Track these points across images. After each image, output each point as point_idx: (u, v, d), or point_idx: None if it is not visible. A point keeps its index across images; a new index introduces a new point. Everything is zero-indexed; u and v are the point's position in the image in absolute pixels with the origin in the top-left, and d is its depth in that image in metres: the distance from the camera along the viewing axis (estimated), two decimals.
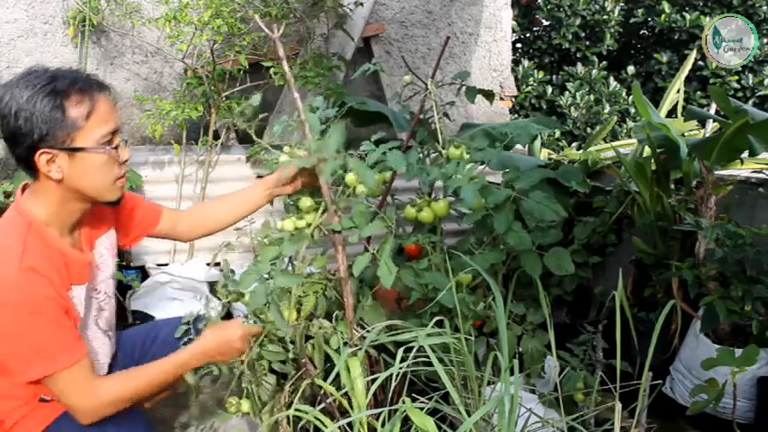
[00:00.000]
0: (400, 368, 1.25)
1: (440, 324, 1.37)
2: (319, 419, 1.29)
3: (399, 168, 1.57)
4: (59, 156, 1.23)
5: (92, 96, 1.25)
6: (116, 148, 1.30)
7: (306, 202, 1.55)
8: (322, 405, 1.37)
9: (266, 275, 1.36)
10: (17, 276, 1.21)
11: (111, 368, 1.57)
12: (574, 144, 5.11)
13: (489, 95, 2.16)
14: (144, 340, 1.68)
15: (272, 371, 1.50)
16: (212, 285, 2.98)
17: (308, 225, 1.50)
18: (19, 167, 1.29)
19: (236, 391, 1.56)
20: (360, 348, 1.40)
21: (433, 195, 1.78)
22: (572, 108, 5.60)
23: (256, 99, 1.53)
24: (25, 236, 1.26)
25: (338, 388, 1.36)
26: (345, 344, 1.43)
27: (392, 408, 1.19)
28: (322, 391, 1.41)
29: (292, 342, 1.46)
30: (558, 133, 5.41)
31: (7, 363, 1.28)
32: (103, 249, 1.49)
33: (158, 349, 1.62)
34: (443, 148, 1.75)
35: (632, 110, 5.56)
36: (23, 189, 1.36)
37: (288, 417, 1.40)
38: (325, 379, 1.38)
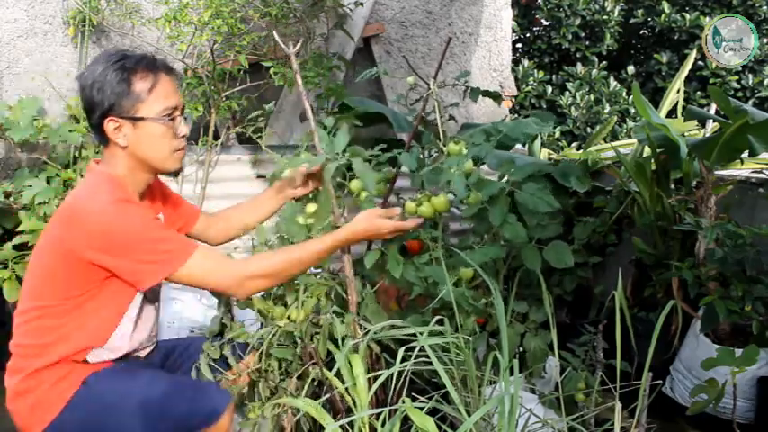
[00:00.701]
0: (401, 369, 1.25)
1: (441, 323, 1.37)
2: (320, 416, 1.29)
3: (412, 166, 1.61)
4: (125, 125, 1.40)
5: (156, 74, 1.41)
6: (173, 120, 1.44)
7: (311, 207, 1.63)
8: (326, 396, 1.39)
9: None
10: (112, 206, 1.35)
11: (153, 352, 1.60)
12: (574, 144, 5.10)
13: (496, 97, 2.16)
14: (176, 345, 1.72)
15: (288, 374, 1.51)
16: None
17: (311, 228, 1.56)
18: (93, 136, 1.47)
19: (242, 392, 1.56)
20: (362, 340, 1.41)
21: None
22: (572, 108, 5.59)
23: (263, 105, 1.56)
24: (108, 183, 1.41)
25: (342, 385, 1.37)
26: (346, 337, 1.45)
27: (392, 407, 1.19)
28: (328, 382, 1.43)
29: (300, 338, 1.48)
30: (557, 133, 5.40)
31: (127, 275, 1.37)
32: None
33: (184, 361, 1.66)
34: (445, 146, 1.76)
35: (632, 110, 5.55)
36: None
37: (292, 413, 1.40)
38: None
